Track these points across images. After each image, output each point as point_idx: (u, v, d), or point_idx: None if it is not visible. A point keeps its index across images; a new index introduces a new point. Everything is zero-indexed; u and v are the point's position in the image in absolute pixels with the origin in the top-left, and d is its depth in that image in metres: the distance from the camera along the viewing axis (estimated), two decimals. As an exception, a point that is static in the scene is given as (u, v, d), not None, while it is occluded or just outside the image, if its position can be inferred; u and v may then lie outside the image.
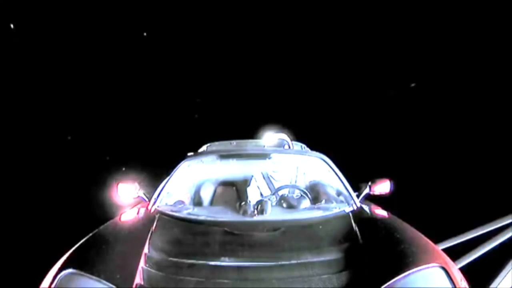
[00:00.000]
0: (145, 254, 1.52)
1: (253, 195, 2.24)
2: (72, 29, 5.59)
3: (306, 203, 2.13)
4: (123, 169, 5.07)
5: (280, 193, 2.36)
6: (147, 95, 6.11)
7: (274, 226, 1.75)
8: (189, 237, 1.69)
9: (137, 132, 5.88)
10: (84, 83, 5.78)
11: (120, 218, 2.02)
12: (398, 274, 1.34)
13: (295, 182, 2.51)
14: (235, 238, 1.66)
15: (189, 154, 2.61)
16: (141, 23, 5.90)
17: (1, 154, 4.66)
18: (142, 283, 1.39)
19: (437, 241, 1.87)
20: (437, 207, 3.78)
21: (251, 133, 3.45)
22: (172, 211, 1.97)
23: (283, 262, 1.49)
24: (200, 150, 3.12)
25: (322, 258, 1.52)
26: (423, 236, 1.63)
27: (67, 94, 5.66)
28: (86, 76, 5.79)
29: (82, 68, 5.75)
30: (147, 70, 6.08)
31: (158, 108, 6.11)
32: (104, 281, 1.34)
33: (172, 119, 6.09)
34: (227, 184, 2.53)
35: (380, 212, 2.08)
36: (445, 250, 1.58)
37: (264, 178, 2.44)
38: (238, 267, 1.47)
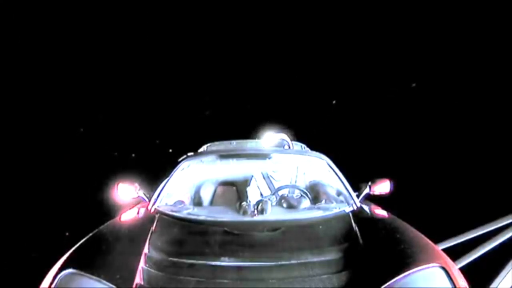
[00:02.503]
0: (145, 254, 1.52)
1: (253, 195, 2.24)
2: (84, 25, 5.60)
3: (306, 203, 2.12)
4: (132, 163, 5.13)
5: (280, 193, 2.35)
6: (158, 92, 6.14)
7: (274, 226, 1.75)
8: (189, 237, 1.69)
9: (146, 129, 5.93)
10: (96, 81, 5.80)
11: (120, 218, 2.02)
12: (398, 274, 1.34)
13: (295, 182, 2.50)
14: (235, 238, 1.66)
15: (189, 154, 2.61)
16: (152, 21, 5.91)
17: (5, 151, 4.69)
18: (142, 283, 1.39)
19: (437, 241, 1.87)
20: (437, 207, 3.78)
21: (251, 133, 3.45)
22: (172, 211, 1.97)
23: (283, 262, 1.49)
24: (200, 150, 3.12)
25: (322, 258, 1.51)
26: (423, 236, 1.63)
27: (81, 90, 5.68)
28: (98, 74, 5.81)
29: (94, 66, 5.76)
30: (159, 69, 6.11)
31: (168, 106, 6.15)
32: (104, 281, 1.34)
33: (183, 116, 6.15)
34: (227, 184, 2.53)
35: (380, 212, 2.08)
36: (445, 250, 1.58)
37: (264, 178, 2.44)
38: (238, 267, 1.47)
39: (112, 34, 5.74)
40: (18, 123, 5.04)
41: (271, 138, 2.72)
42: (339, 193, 2.24)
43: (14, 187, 4.36)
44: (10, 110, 4.99)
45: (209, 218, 1.88)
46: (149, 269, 1.46)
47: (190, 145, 3.19)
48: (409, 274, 1.34)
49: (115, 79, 5.89)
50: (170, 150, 5.64)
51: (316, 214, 1.93)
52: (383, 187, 2.22)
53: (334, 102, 5.97)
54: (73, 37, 5.59)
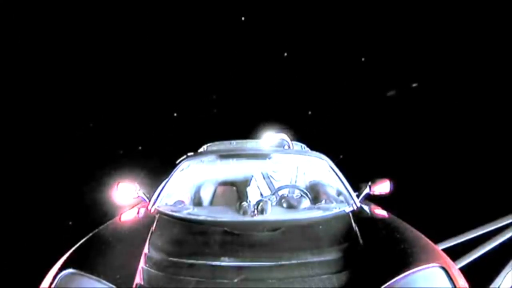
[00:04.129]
0: (145, 254, 1.52)
1: (253, 195, 2.24)
2: (89, 23, 5.60)
3: (306, 203, 2.13)
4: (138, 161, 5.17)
5: (280, 193, 2.35)
6: (162, 91, 6.16)
7: (274, 226, 1.75)
8: (189, 237, 1.69)
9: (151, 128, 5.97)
10: (101, 80, 5.81)
11: (120, 218, 2.02)
12: (398, 274, 1.34)
13: (295, 182, 2.50)
14: (235, 238, 1.66)
15: (189, 154, 2.61)
16: (157, 20, 5.91)
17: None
18: (142, 283, 1.39)
19: (437, 241, 1.87)
20: (437, 207, 3.78)
21: (251, 133, 3.45)
22: (172, 211, 1.97)
23: (283, 262, 1.49)
24: (200, 150, 3.12)
25: (322, 258, 1.51)
26: (423, 236, 1.63)
27: (88, 88, 5.69)
28: (103, 73, 5.81)
29: (99, 65, 5.76)
30: (163, 69, 6.12)
31: (168, 105, 6.19)
32: (104, 281, 1.34)
33: (190, 115, 6.19)
34: (227, 184, 2.53)
35: (380, 212, 2.08)
36: (445, 250, 1.57)
37: (264, 178, 2.44)
38: (238, 267, 1.47)
39: (120, 32, 5.73)
40: (25, 121, 5.06)
41: (271, 138, 2.72)
42: (339, 193, 2.24)
43: (22, 185, 4.38)
44: (16, 106, 5.00)
45: (209, 218, 1.88)
46: (149, 269, 1.45)
47: (190, 145, 3.20)
48: (409, 274, 1.34)
49: (118, 78, 5.91)
50: (175, 114, 5.67)
51: (316, 214, 1.93)
52: (383, 187, 2.22)
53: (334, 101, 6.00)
54: (83, 35, 5.59)
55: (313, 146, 3.18)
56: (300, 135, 3.37)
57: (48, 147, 5.02)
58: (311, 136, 3.67)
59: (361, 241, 1.60)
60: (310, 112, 6.20)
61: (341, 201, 2.14)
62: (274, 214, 1.94)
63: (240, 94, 6.34)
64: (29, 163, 4.77)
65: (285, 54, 6.22)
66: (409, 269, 1.35)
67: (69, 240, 1.65)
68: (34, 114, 5.19)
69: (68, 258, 1.48)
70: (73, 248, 1.56)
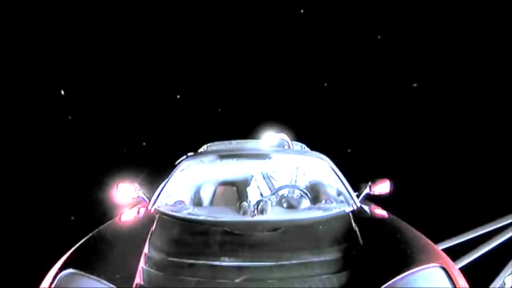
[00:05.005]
0: (145, 254, 1.52)
1: (253, 195, 2.24)
2: (93, 22, 5.58)
3: (306, 203, 2.13)
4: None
5: (280, 193, 2.36)
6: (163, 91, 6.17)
7: (274, 226, 1.75)
8: (189, 237, 1.69)
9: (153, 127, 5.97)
10: (104, 79, 5.80)
11: (120, 218, 2.02)
12: (398, 274, 1.34)
13: (295, 182, 2.50)
14: (235, 238, 1.66)
15: (189, 154, 2.61)
16: (162, 19, 5.90)
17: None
18: (142, 283, 1.39)
19: (437, 241, 1.87)
20: (437, 207, 3.78)
21: (251, 133, 3.45)
22: (172, 211, 1.97)
23: (283, 262, 1.49)
24: (200, 150, 3.12)
25: (322, 258, 1.52)
26: (423, 236, 1.63)
27: (91, 88, 5.69)
28: (106, 72, 5.80)
29: (100, 64, 5.75)
30: (162, 68, 6.11)
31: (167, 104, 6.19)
32: (104, 281, 1.34)
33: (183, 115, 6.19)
34: (227, 184, 2.54)
35: (380, 212, 2.08)
36: (445, 250, 1.58)
37: (264, 178, 2.44)
38: (238, 267, 1.47)
39: (121, 29, 5.71)
40: (24, 120, 5.06)
41: (271, 138, 2.72)
42: (339, 193, 2.24)
43: (23, 185, 4.38)
44: (17, 105, 5.00)
45: (209, 218, 1.88)
46: (149, 269, 1.46)
47: (190, 145, 3.20)
48: (409, 274, 1.34)
49: (118, 76, 5.90)
50: (178, 96, 5.79)
51: (316, 214, 1.93)
52: (383, 187, 2.22)
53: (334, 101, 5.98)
54: (84, 34, 5.56)
55: (313, 146, 3.18)
56: (300, 135, 3.37)
57: (48, 146, 5.02)
58: (311, 135, 3.67)
59: (361, 241, 1.60)
60: (310, 112, 6.19)
61: (341, 201, 2.15)
62: (274, 214, 1.94)
63: (235, 94, 6.34)
64: (29, 163, 4.77)
65: (302, 11, 6.08)
66: (409, 269, 1.35)
67: (69, 240, 1.65)
68: (34, 112, 5.18)
69: (68, 258, 1.48)
70: (73, 248, 1.56)
